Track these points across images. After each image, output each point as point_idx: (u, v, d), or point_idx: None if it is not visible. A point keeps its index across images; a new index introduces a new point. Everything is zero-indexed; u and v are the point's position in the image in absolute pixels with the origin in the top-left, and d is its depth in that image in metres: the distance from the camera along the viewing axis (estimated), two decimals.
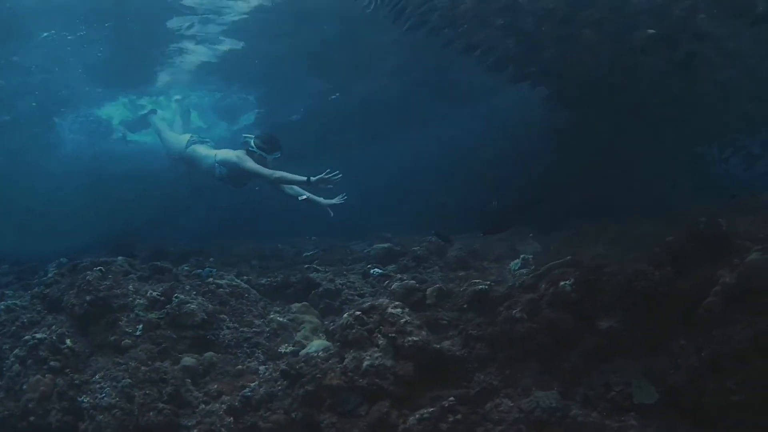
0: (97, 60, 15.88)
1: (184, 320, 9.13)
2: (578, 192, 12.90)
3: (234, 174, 12.10)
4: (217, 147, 13.20)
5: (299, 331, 9.23)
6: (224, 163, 12.15)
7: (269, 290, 10.08)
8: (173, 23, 15.26)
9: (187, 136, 13.68)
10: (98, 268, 9.91)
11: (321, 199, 11.29)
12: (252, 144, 11.79)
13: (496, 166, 14.11)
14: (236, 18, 15.10)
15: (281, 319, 9.33)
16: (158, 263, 10.29)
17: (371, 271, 10.20)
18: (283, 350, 8.89)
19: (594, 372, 7.87)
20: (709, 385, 7.21)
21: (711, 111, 13.65)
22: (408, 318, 7.78)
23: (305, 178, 10.78)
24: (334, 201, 10.99)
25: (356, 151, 17.88)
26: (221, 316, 9.35)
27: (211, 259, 11.68)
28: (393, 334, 7.72)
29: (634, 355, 7.93)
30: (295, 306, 9.59)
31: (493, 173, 13.99)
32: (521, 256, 10.70)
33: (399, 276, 9.74)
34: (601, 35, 11.54)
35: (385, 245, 11.16)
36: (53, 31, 14.54)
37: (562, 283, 8.04)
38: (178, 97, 17.89)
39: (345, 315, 8.09)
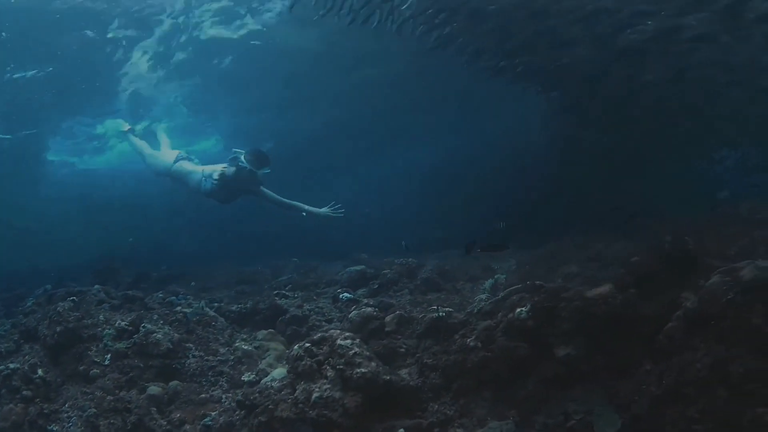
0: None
1: (151, 349, 8.82)
2: (565, 206, 12.39)
3: (222, 188, 11.86)
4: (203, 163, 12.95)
5: (264, 358, 8.82)
6: (211, 178, 11.92)
7: (239, 317, 9.72)
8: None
9: (174, 153, 13.34)
10: (71, 298, 9.73)
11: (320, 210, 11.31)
12: (242, 159, 11.53)
13: (481, 184, 13.58)
14: None
15: (246, 347, 8.96)
16: (130, 292, 10.02)
17: (341, 296, 9.79)
18: (246, 378, 8.51)
19: (553, 400, 7.36)
20: (671, 413, 6.73)
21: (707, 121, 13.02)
22: (357, 349, 7.39)
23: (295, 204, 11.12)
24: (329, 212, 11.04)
25: (338, 173, 17.39)
26: (187, 344, 8.99)
27: (192, 283, 11.37)
28: (341, 366, 7.34)
29: (596, 381, 7.39)
30: (262, 333, 9.20)
31: (477, 191, 13.47)
32: (495, 276, 10.23)
33: (365, 301, 9.31)
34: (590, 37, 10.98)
35: (359, 268, 10.72)
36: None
37: (518, 310, 7.53)
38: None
39: (296, 347, 7.79)
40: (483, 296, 8.22)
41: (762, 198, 10.13)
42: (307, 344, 7.60)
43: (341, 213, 11.39)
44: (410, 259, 10.45)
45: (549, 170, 13.22)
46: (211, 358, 8.87)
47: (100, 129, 17.85)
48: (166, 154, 13.56)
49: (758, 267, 6.57)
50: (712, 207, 10.36)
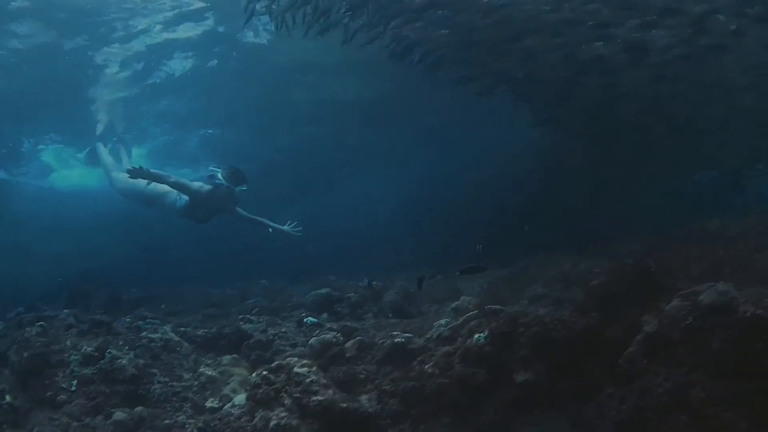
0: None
1: (116, 375, 8.57)
2: (536, 225, 12.14)
3: (198, 206, 11.62)
4: None
5: (228, 384, 8.59)
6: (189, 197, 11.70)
7: (205, 342, 9.47)
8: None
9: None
10: (40, 323, 9.53)
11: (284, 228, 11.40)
12: (219, 176, 11.32)
13: (455, 202, 13.33)
14: None
15: (210, 373, 8.72)
16: (98, 317, 9.81)
17: (305, 320, 9.56)
18: (209, 404, 8.28)
19: (513, 426, 7.12)
20: None
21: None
22: (314, 377, 7.18)
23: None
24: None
25: (306, 198, 16.88)
26: (152, 370, 8.74)
27: (163, 306, 11.13)
28: (298, 394, 7.13)
29: (557, 406, 7.19)
30: (226, 358, 8.95)
31: (451, 209, 13.21)
32: (461, 297, 9.99)
33: (329, 326, 9.08)
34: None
35: (324, 291, 10.47)
36: None
37: (476, 335, 7.30)
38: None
39: (254, 374, 7.63)
40: (443, 321, 7.98)
41: (733, 215, 9.91)
42: (265, 372, 7.39)
43: (299, 232, 11.26)
44: (375, 282, 10.21)
45: (522, 187, 12.99)
46: (175, 383, 8.63)
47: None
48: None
49: (718, 291, 6.35)
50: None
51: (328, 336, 8.11)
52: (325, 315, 9.84)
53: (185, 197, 11.56)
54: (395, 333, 7.93)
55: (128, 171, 10.70)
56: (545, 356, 7.09)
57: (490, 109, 12.73)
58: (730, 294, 6.14)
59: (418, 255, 12.45)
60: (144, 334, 9.15)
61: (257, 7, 10.46)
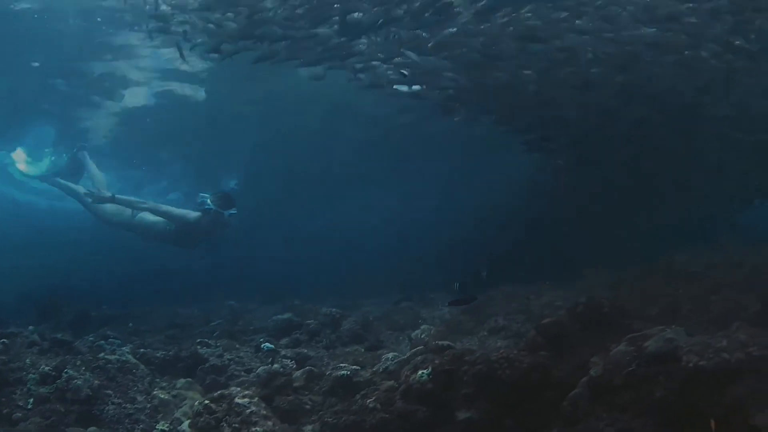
0: None
1: (71, 395, 8.28)
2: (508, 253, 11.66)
3: (185, 232, 11.33)
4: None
5: (180, 407, 8.23)
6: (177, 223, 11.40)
7: (163, 364, 9.08)
8: None
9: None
10: (2, 340, 9.22)
11: None
12: (208, 202, 11.07)
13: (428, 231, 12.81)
14: None
15: (163, 396, 8.33)
16: (59, 336, 9.49)
17: (262, 345, 9.17)
18: (159, 428, 7.93)
19: None
20: None
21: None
22: (254, 408, 6.77)
23: None
24: None
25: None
26: (107, 391, 8.39)
27: (130, 324, 10.79)
28: (236, 425, 6.75)
29: None
30: (180, 382, 8.57)
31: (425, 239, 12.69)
32: (421, 326, 9.56)
33: (283, 353, 8.68)
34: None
35: (285, 316, 10.05)
36: None
37: (420, 372, 6.85)
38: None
39: (197, 402, 7.24)
40: (390, 355, 7.56)
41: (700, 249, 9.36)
42: (207, 401, 7.02)
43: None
44: (333, 310, 9.79)
45: (504, 214, 12.48)
46: (129, 405, 8.25)
47: None
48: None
49: (664, 338, 5.90)
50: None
51: (275, 366, 7.73)
52: (284, 340, 9.43)
53: (178, 224, 11.27)
54: (343, 365, 7.52)
55: (88, 194, 10.41)
56: (489, 395, 6.63)
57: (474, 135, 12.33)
58: (675, 342, 5.68)
59: (391, 280, 12.01)
60: (102, 355, 8.79)
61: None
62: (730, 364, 5.14)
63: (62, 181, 12.75)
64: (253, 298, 11.83)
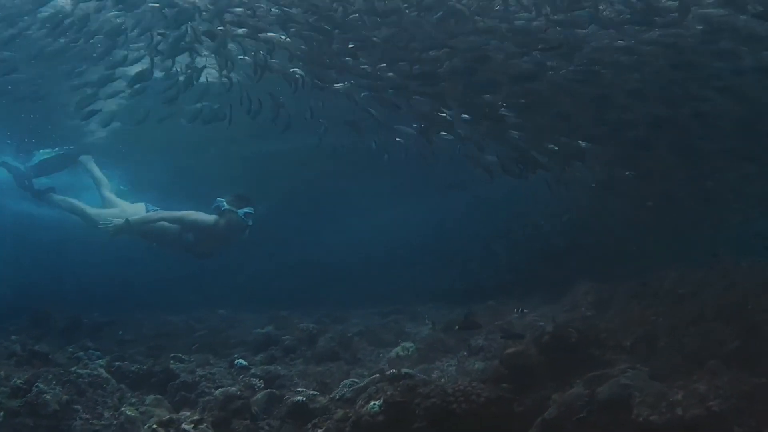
0: None
1: (41, 409, 7.84)
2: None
3: (203, 238, 10.74)
4: None
5: (147, 424, 7.75)
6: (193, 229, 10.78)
7: (137, 378, 8.55)
8: None
9: (141, 206, 11.40)
10: None
11: None
12: (224, 203, 10.45)
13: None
14: None
15: (130, 413, 7.78)
16: (36, 348, 9.09)
17: (235, 362, 8.60)
18: None
19: None
20: None
21: None
22: None
23: None
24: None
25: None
26: (76, 406, 7.97)
27: (120, 333, 10.35)
28: None
29: None
30: (149, 398, 8.03)
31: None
32: (402, 344, 8.86)
33: (252, 371, 8.10)
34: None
35: (265, 330, 9.48)
36: None
37: (372, 402, 6.14)
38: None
39: (146, 425, 6.74)
40: (348, 381, 6.89)
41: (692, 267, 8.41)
42: (155, 425, 6.51)
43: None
44: (311, 325, 9.15)
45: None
46: (95, 421, 7.74)
47: None
48: (127, 209, 11.44)
49: (619, 384, 5.12)
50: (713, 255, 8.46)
51: (232, 389, 7.12)
52: (260, 356, 8.83)
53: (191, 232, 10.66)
54: (301, 390, 6.91)
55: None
56: (443, 430, 5.96)
57: None
58: (630, 390, 4.91)
59: (384, 290, 11.31)
60: (74, 369, 8.36)
61: None
62: (683, 421, 4.33)
63: (59, 197, 11.99)
64: (245, 306, 11.23)
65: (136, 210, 11.38)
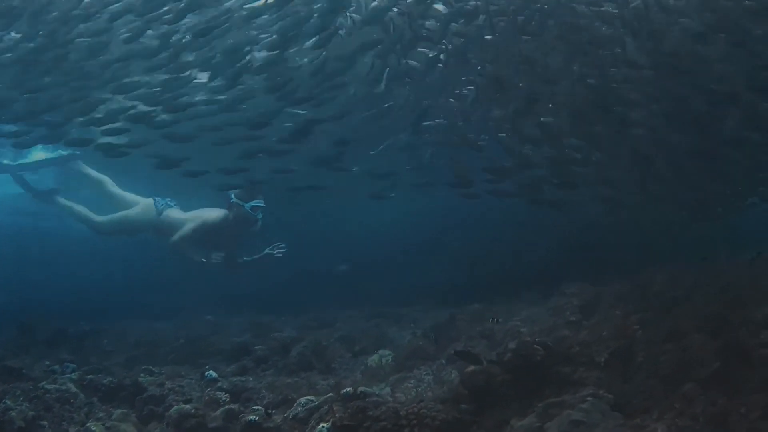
0: None
1: (6, 427, 7.38)
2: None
3: (211, 236, 10.24)
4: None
5: None
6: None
7: (108, 392, 8.00)
8: None
9: (149, 201, 10.98)
10: None
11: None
12: (232, 196, 9.93)
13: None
14: None
15: (95, 429, 7.27)
16: (9, 363, 8.66)
17: (206, 374, 8.04)
18: None
19: None
20: None
21: None
22: None
23: None
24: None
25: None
26: (42, 422, 7.47)
27: (105, 341, 9.90)
28: None
29: None
30: (117, 413, 7.56)
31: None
32: (379, 352, 8.19)
33: (219, 385, 7.52)
34: None
35: (241, 339, 8.89)
36: None
37: (320, 425, 5.53)
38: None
39: None
40: (303, 400, 6.23)
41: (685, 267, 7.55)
42: None
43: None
44: (285, 334, 8.53)
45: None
46: None
47: None
48: (141, 204, 11.07)
49: (570, 421, 4.39)
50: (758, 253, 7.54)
51: (186, 407, 6.57)
52: (232, 367, 8.25)
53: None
54: (256, 407, 6.31)
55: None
56: None
57: None
58: (580, 428, 4.16)
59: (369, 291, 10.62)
60: (42, 384, 7.92)
61: None
62: None
63: (63, 199, 11.28)
64: (235, 311, 10.64)
65: (147, 204, 10.93)
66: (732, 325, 5.23)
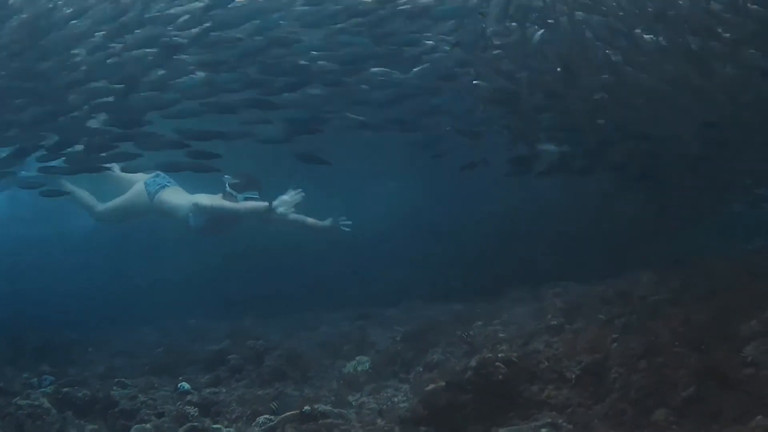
0: None
1: None
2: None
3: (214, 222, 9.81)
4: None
5: None
6: (201, 212, 9.68)
7: (83, 405, 7.65)
8: None
9: (139, 177, 10.06)
10: None
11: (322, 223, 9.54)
12: (226, 185, 9.49)
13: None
14: None
15: None
16: None
17: (178, 385, 7.63)
18: None
19: None
20: None
21: None
22: None
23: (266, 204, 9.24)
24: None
25: None
26: None
27: (90, 349, 9.53)
28: None
29: None
30: (89, 428, 7.20)
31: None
32: (357, 358, 7.71)
33: (189, 398, 7.10)
34: None
35: (217, 347, 8.44)
36: None
37: None
38: None
39: None
40: (262, 419, 5.80)
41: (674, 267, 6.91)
42: None
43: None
44: (259, 342, 8.06)
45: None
46: None
47: None
48: (129, 180, 10.29)
49: None
50: None
51: (147, 426, 6.19)
52: (206, 377, 7.83)
53: (201, 215, 9.71)
54: (217, 426, 5.90)
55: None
56: None
57: None
58: None
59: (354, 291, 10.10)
60: (15, 400, 7.60)
61: None
62: None
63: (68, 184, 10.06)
64: (220, 314, 10.21)
65: (140, 187, 10.25)
66: (715, 338, 4.64)
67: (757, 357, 4.18)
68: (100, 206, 10.71)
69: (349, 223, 9.41)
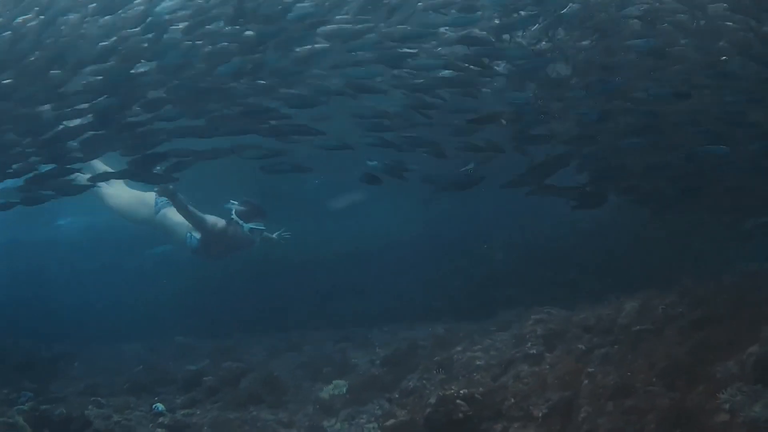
0: None
1: None
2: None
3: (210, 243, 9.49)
4: None
5: None
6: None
7: (59, 424, 7.47)
8: None
9: (150, 195, 9.52)
10: None
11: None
12: (233, 213, 9.12)
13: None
14: None
15: None
16: None
17: (153, 406, 7.33)
18: None
19: None
20: None
21: None
22: None
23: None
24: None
25: None
26: None
27: (76, 364, 9.29)
28: None
29: None
30: None
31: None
32: (334, 383, 7.36)
33: (160, 420, 6.81)
34: None
35: (194, 368, 8.14)
36: None
37: None
38: None
39: None
40: None
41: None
42: None
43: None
44: (235, 364, 7.74)
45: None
46: None
47: None
48: (138, 197, 9.68)
49: None
50: None
51: None
52: (182, 399, 7.53)
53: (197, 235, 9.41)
54: None
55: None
56: None
57: None
58: None
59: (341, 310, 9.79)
60: None
61: None
62: None
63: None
64: (207, 332, 9.91)
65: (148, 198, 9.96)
66: (691, 378, 4.24)
67: (733, 404, 3.77)
68: (111, 189, 10.25)
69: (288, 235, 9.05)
